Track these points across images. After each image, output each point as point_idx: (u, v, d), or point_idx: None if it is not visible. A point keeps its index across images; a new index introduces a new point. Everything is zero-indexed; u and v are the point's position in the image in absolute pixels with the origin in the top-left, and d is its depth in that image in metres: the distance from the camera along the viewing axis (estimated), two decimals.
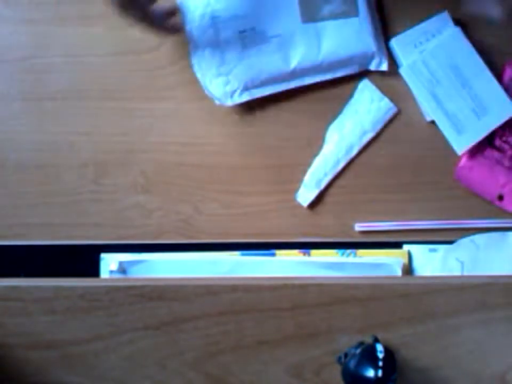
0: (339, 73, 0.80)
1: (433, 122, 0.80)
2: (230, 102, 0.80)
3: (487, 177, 0.81)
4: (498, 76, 0.79)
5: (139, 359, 0.75)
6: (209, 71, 0.79)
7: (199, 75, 0.80)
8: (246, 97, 0.80)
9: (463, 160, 0.81)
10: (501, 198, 0.81)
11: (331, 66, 0.80)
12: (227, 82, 0.79)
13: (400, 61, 0.80)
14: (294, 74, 0.80)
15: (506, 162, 0.80)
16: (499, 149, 0.80)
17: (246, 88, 0.79)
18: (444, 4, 0.79)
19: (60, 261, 0.84)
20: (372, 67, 0.80)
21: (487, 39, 0.80)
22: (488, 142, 0.80)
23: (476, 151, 0.80)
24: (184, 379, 0.75)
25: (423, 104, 0.80)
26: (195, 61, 0.80)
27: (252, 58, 0.79)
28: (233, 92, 0.79)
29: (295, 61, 0.79)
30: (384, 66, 0.80)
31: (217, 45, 0.79)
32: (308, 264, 0.82)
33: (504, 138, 0.80)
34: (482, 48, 0.79)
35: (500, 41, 0.80)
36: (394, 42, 0.80)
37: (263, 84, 0.80)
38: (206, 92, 0.80)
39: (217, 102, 0.80)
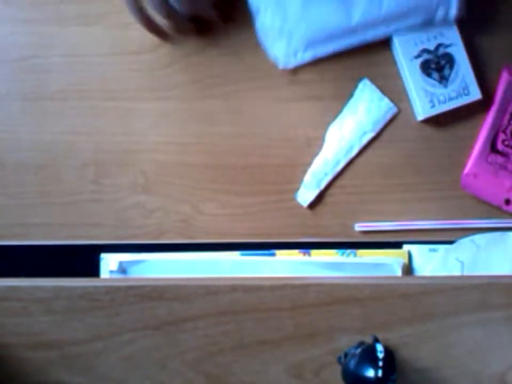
0: (402, 25, 0.77)
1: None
2: (293, 62, 0.79)
3: (492, 183, 0.80)
4: (497, 78, 0.79)
5: (139, 359, 0.75)
6: (272, 32, 0.78)
7: (262, 38, 0.79)
8: (309, 56, 0.78)
9: (467, 168, 0.81)
10: (508, 202, 0.81)
11: (394, 19, 0.77)
12: (289, 42, 0.78)
13: (400, 61, 0.80)
14: (356, 29, 0.77)
15: (511, 166, 0.80)
16: (502, 153, 0.80)
17: (308, 47, 0.78)
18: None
19: (60, 261, 0.84)
20: (439, 16, 0.76)
21: (487, 39, 0.80)
22: (490, 147, 0.80)
23: (479, 157, 0.80)
24: (184, 379, 0.75)
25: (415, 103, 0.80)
26: (259, 24, 0.79)
27: (313, 15, 0.77)
28: (296, 51, 0.78)
29: (357, 15, 0.76)
30: (452, 14, 0.76)
31: (278, 3, 0.77)
32: (308, 264, 0.82)
33: (506, 143, 0.80)
34: (482, 49, 0.79)
35: (500, 42, 0.80)
36: (396, 42, 0.80)
37: (326, 41, 0.78)
38: (270, 56, 0.80)
39: (280, 66, 0.79)
